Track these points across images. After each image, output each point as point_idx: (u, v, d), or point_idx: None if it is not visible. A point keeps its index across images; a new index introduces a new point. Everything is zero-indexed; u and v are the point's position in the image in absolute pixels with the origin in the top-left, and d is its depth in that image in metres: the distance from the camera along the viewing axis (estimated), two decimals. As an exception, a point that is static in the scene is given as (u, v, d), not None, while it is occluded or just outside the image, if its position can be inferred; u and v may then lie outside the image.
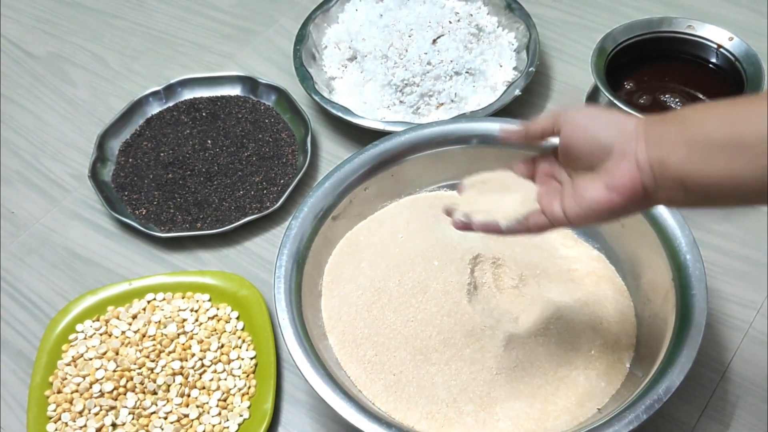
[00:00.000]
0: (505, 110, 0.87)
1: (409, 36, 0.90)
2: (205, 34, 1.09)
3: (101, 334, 0.76)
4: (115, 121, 0.94)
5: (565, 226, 0.55)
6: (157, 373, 0.73)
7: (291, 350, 0.63)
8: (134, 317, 0.77)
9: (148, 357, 0.74)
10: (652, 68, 0.87)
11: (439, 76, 0.89)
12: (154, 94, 0.97)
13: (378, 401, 0.65)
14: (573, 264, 0.74)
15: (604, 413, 0.61)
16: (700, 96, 0.84)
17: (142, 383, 0.72)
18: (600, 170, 0.51)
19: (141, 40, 1.09)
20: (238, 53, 1.05)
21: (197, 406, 0.71)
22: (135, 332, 0.76)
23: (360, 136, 0.91)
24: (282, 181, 0.88)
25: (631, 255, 0.72)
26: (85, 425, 0.70)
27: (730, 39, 0.83)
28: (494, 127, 0.76)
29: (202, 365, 0.73)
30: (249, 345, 0.74)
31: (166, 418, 0.70)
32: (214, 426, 0.70)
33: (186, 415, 0.70)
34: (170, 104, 0.97)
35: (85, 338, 0.76)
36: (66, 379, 0.73)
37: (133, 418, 0.71)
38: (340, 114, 0.88)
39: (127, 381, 0.72)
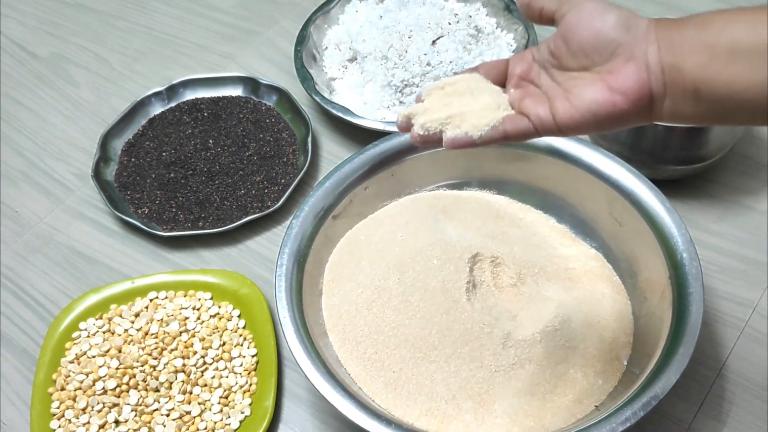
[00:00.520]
0: (503, 110, 0.86)
1: (409, 37, 0.90)
2: (207, 35, 1.09)
3: (104, 332, 0.76)
4: (117, 121, 0.94)
5: (553, 133, 0.49)
6: (160, 371, 0.73)
7: (292, 348, 0.63)
8: (137, 315, 0.77)
9: (150, 355, 0.74)
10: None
11: (438, 76, 0.89)
12: (157, 94, 0.97)
13: (378, 398, 0.65)
14: (571, 263, 0.74)
15: (601, 410, 0.62)
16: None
17: (144, 380, 0.72)
18: (600, 71, 0.47)
19: (143, 41, 1.09)
20: (240, 54, 1.05)
21: (199, 403, 0.71)
22: (137, 330, 0.76)
23: (360, 136, 0.91)
24: (283, 181, 0.88)
25: (628, 254, 0.72)
26: (88, 422, 0.70)
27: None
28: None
29: (204, 363, 0.73)
30: (250, 343, 0.74)
31: (168, 415, 0.71)
32: (215, 423, 0.70)
33: (188, 412, 0.70)
34: (172, 104, 0.97)
35: (88, 336, 0.76)
36: (69, 376, 0.73)
37: (135, 415, 0.71)
38: (340, 114, 0.88)
39: (130, 378, 0.72)
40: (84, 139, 0.97)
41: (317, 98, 0.90)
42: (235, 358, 0.74)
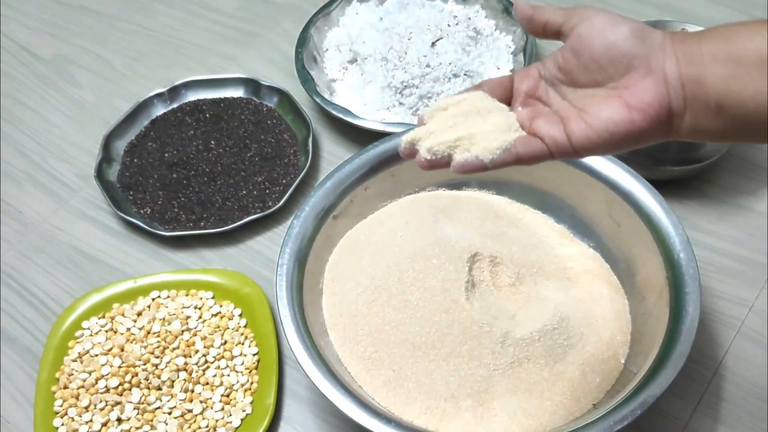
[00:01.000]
0: (502, 112, 0.86)
1: (409, 39, 0.90)
2: (209, 36, 1.09)
3: (107, 331, 0.76)
4: (120, 122, 0.94)
5: (569, 155, 0.46)
6: (162, 369, 0.73)
7: (293, 347, 0.63)
8: (139, 314, 0.77)
9: (152, 353, 0.74)
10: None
11: (437, 78, 0.89)
12: (159, 95, 0.97)
13: (378, 396, 0.65)
14: (569, 262, 0.74)
15: (599, 409, 0.61)
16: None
17: (146, 379, 0.72)
18: (615, 87, 0.44)
19: (145, 42, 1.09)
20: (241, 56, 1.05)
21: (201, 402, 0.71)
22: (140, 329, 0.76)
23: (360, 137, 0.91)
24: (284, 181, 0.88)
25: (626, 254, 0.72)
26: (90, 420, 0.70)
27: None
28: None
29: (206, 361, 0.73)
30: (251, 341, 0.74)
31: (170, 413, 0.71)
32: (217, 421, 0.70)
33: (190, 410, 0.70)
34: (174, 106, 0.97)
35: (90, 335, 0.76)
36: (72, 374, 0.73)
37: (138, 413, 0.71)
38: (340, 115, 0.88)
39: (132, 377, 0.72)
40: (87, 140, 0.97)
41: (318, 99, 0.90)
42: (236, 356, 0.74)
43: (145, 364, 0.73)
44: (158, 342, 0.74)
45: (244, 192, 0.87)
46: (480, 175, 0.77)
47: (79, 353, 0.74)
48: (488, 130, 0.48)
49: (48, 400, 0.72)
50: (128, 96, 1.01)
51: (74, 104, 1.02)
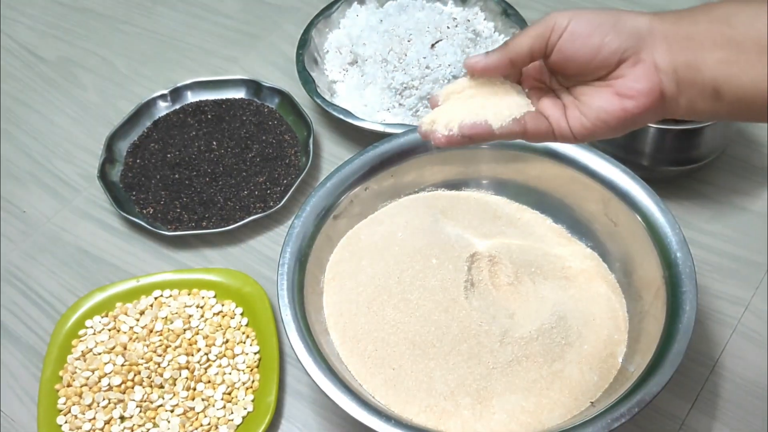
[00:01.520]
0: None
1: (409, 41, 0.90)
2: (211, 39, 1.09)
3: (110, 330, 0.76)
4: (123, 123, 0.94)
5: (569, 140, 0.46)
6: (164, 368, 0.73)
7: (293, 345, 0.63)
8: (142, 313, 0.77)
9: (155, 352, 0.73)
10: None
11: (437, 79, 0.88)
12: (161, 97, 0.97)
13: (378, 394, 0.65)
14: (567, 262, 0.73)
15: (597, 407, 0.61)
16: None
17: (149, 377, 0.72)
18: (607, 78, 0.44)
19: (149, 44, 1.09)
20: (243, 57, 1.05)
21: (203, 400, 0.71)
22: (142, 328, 0.76)
23: (361, 137, 0.91)
24: (285, 182, 0.88)
25: (623, 253, 0.72)
26: (94, 418, 0.70)
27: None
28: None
29: (208, 360, 0.73)
30: (253, 340, 0.74)
31: (172, 411, 0.70)
32: (219, 419, 0.70)
33: (192, 408, 0.70)
34: (177, 107, 0.97)
35: (94, 333, 0.76)
36: (75, 373, 0.73)
37: (140, 411, 0.70)
38: (341, 116, 0.88)
39: (135, 375, 0.72)
40: (90, 141, 0.97)
41: (318, 101, 0.89)
42: (238, 355, 0.73)
43: (147, 363, 0.73)
44: (161, 340, 0.74)
45: (245, 192, 0.87)
46: (479, 175, 0.78)
47: (82, 351, 0.74)
48: (502, 103, 0.47)
49: (51, 398, 0.72)
50: (131, 97, 1.01)
51: (78, 105, 1.02)
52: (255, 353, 0.73)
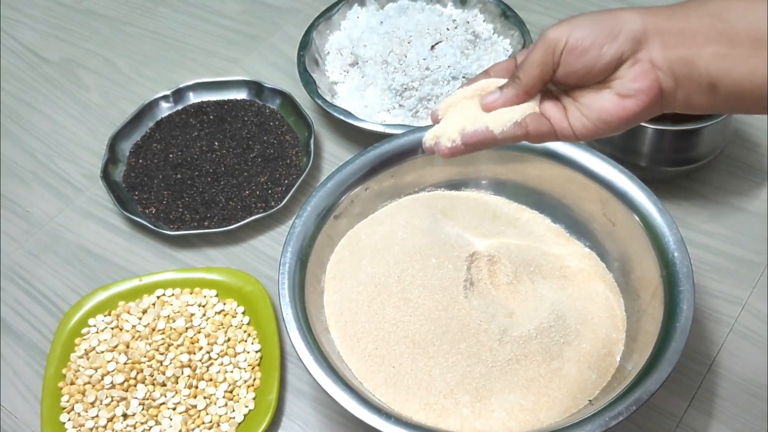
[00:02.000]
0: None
1: (409, 42, 0.90)
2: (213, 40, 1.09)
3: (112, 328, 0.76)
4: (126, 123, 0.94)
5: (571, 139, 0.46)
6: (166, 366, 0.73)
7: (295, 344, 0.63)
8: (144, 312, 0.77)
9: (157, 350, 0.73)
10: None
11: (437, 80, 0.88)
12: (164, 97, 0.97)
13: (378, 393, 0.65)
14: (565, 261, 0.73)
15: (595, 405, 0.61)
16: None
17: (151, 375, 0.72)
18: (607, 79, 0.44)
19: (151, 46, 1.09)
20: (244, 59, 1.05)
21: (204, 397, 0.71)
22: (145, 326, 0.76)
23: (361, 138, 0.91)
24: (286, 182, 0.88)
25: (621, 252, 0.72)
26: (96, 415, 0.70)
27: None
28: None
29: (210, 358, 0.73)
30: (254, 339, 0.74)
31: (174, 409, 0.70)
32: (220, 416, 0.70)
33: (194, 406, 0.70)
34: (179, 107, 0.97)
35: (97, 332, 0.76)
36: (79, 371, 0.73)
37: (143, 409, 0.71)
38: (342, 117, 0.88)
39: (138, 373, 0.72)
40: (93, 141, 0.97)
41: (319, 101, 0.89)
42: (239, 353, 0.73)
43: (150, 361, 0.73)
44: (163, 339, 0.74)
45: (247, 192, 0.87)
46: (478, 176, 0.78)
47: (85, 350, 0.74)
48: (502, 109, 0.48)
49: (55, 395, 0.72)
50: (134, 98, 1.01)
51: (81, 106, 1.02)
52: (256, 351, 0.73)
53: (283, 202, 0.85)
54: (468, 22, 0.95)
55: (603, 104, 0.44)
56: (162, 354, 0.73)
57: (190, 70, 1.04)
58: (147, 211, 0.87)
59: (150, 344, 0.74)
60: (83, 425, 0.70)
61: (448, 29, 0.92)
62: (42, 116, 1.01)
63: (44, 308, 0.81)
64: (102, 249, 0.86)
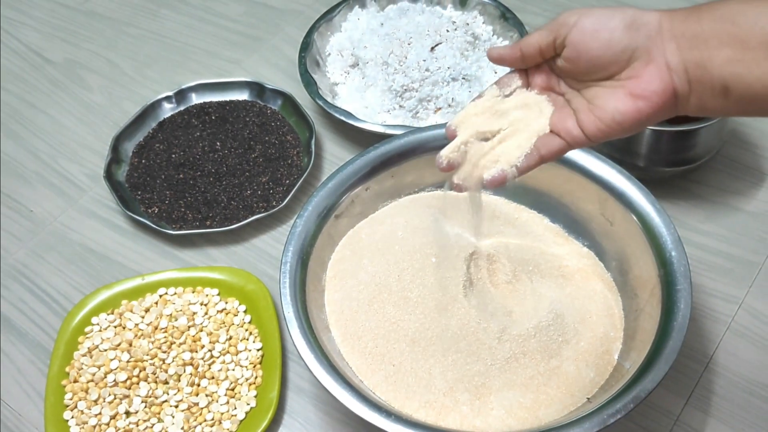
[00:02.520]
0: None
1: (409, 44, 0.90)
2: (215, 41, 1.09)
3: (115, 327, 0.76)
4: (129, 124, 0.94)
5: (584, 145, 0.47)
6: (169, 364, 0.73)
7: (296, 342, 0.63)
8: (147, 310, 0.77)
9: (159, 348, 0.73)
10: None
11: (436, 82, 0.88)
12: (166, 98, 0.97)
13: (378, 390, 0.65)
14: (564, 260, 0.73)
15: (593, 403, 0.61)
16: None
17: (154, 373, 0.72)
18: (619, 78, 0.43)
19: (154, 47, 1.09)
20: (246, 60, 1.05)
21: (206, 395, 0.71)
22: (147, 325, 0.76)
23: (362, 138, 0.91)
24: (287, 182, 0.88)
25: (619, 252, 0.72)
26: (99, 413, 0.70)
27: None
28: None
29: (212, 356, 0.73)
30: (256, 337, 0.74)
31: (176, 407, 0.70)
32: (222, 414, 0.70)
33: (196, 404, 0.70)
34: (181, 108, 0.97)
35: (100, 330, 0.76)
36: (82, 369, 0.73)
37: (145, 407, 0.70)
38: (342, 118, 0.88)
39: (140, 371, 0.72)
40: (96, 142, 0.97)
41: (320, 102, 0.89)
42: (241, 351, 0.73)
43: (152, 359, 0.73)
44: (165, 337, 0.74)
45: (248, 192, 0.87)
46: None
47: (88, 348, 0.74)
48: (511, 146, 0.49)
49: (58, 393, 0.72)
50: (137, 99, 1.01)
51: (84, 107, 1.02)
52: (258, 350, 0.73)
53: (285, 202, 0.85)
54: (467, 24, 0.95)
55: (616, 104, 0.44)
56: (164, 352, 0.73)
57: (192, 71, 1.04)
58: (150, 210, 0.87)
59: (152, 342, 0.74)
60: (86, 423, 0.70)
61: (447, 31, 0.92)
62: (45, 117, 1.01)
63: (48, 307, 0.81)
64: (105, 248, 0.86)
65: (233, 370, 0.72)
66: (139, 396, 0.71)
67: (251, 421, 0.69)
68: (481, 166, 0.51)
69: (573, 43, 0.44)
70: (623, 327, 0.68)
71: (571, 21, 0.44)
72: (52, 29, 1.13)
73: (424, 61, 0.88)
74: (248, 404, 0.70)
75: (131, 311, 0.77)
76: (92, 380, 0.72)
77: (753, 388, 0.69)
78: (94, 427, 0.69)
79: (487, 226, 0.75)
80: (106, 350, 0.74)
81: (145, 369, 0.72)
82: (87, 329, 0.76)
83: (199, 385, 0.72)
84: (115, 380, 0.72)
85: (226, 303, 0.77)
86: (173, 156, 0.91)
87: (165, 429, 0.69)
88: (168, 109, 0.97)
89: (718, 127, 0.79)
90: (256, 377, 0.72)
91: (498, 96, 0.51)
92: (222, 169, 0.89)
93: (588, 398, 0.64)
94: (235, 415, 0.69)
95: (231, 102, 0.97)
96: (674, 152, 0.79)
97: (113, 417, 0.70)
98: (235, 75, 1.02)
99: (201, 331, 0.75)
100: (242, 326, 0.75)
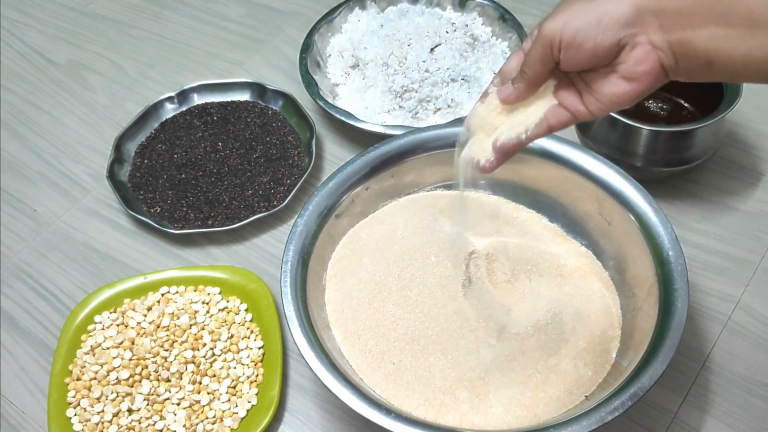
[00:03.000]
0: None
1: (408, 45, 0.90)
2: (217, 42, 1.09)
3: (118, 325, 0.76)
4: (131, 124, 0.94)
5: (590, 119, 0.50)
6: (171, 362, 0.72)
7: (296, 340, 0.63)
8: (149, 309, 0.77)
9: (162, 346, 0.73)
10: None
11: (436, 82, 0.88)
12: (169, 99, 0.97)
13: (378, 388, 0.65)
14: (562, 260, 0.73)
15: (591, 400, 0.61)
16: (682, 102, 0.84)
17: (156, 371, 0.72)
18: (611, 64, 0.45)
19: (156, 48, 1.09)
20: (248, 61, 1.05)
21: (208, 393, 0.71)
22: (150, 323, 0.75)
23: (362, 139, 0.90)
24: (288, 181, 0.88)
25: (616, 251, 0.71)
26: (102, 411, 0.70)
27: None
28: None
29: (213, 354, 0.73)
30: (257, 335, 0.74)
31: (178, 404, 0.70)
32: (224, 411, 0.69)
33: (198, 401, 0.70)
34: (183, 109, 0.97)
35: (102, 329, 0.76)
36: (85, 367, 0.73)
37: (147, 404, 0.70)
38: (343, 118, 0.88)
39: (143, 369, 0.72)
40: (99, 142, 0.97)
41: (321, 103, 0.89)
42: (242, 350, 0.73)
43: (154, 357, 0.73)
44: (167, 336, 0.74)
45: (250, 192, 0.87)
46: (477, 175, 0.78)
47: (91, 346, 0.74)
48: (521, 116, 0.52)
49: (61, 391, 0.72)
50: (139, 99, 1.01)
51: (87, 107, 1.02)
52: (259, 348, 0.73)
53: (286, 202, 0.84)
54: (467, 25, 0.95)
55: (612, 89, 0.46)
56: (166, 350, 0.73)
57: (194, 72, 1.04)
58: (152, 210, 0.87)
59: (155, 341, 0.74)
60: (89, 420, 0.69)
61: (447, 32, 0.91)
62: (49, 117, 1.01)
63: (51, 305, 0.81)
64: (108, 247, 0.86)
65: (234, 368, 0.72)
66: (141, 394, 0.71)
67: (252, 418, 0.69)
68: (495, 134, 0.54)
69: (566, 60, 0.47)
70: (621, 326, 0.68)
71: (556, 41, 0.46)
72: (55, 31, 1.13)
73: (424, 62, 0.88)
74: (249, 402, 0.70)
75: (134, 310, 0.77)
76: (95, 378, 0.72)
77: (749, 386, 0.69)
78: (97, 424, 0.69)
79: (486, 225, 0.75)
80: (108, 348, 0.74)
81: (147, 367, 0.72)
82: (90, 327, 0.76)
83: (200, 383, 0.71)
84: (117, 378, 0.71)
85: (228, 302, 0.77)
86: (175, 156, 0.91)
87: (167, 426, 0.69)
88: (170, 110, 0.96)
89: (715, 128, 0.79)
90: (257, 375, 0.72)
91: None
92: (223, 169, 0.89)
93: (586, 396, 0.64)
94: (237, 413, 0.69)
95: (232, 102, 0.97)
96: (672, 152, 0.79)
97: (116, 414, 0.70)
98: (237, 76, 1.02)
99: (203, 329, 0.75)
100: (243, 325, 0.75)
